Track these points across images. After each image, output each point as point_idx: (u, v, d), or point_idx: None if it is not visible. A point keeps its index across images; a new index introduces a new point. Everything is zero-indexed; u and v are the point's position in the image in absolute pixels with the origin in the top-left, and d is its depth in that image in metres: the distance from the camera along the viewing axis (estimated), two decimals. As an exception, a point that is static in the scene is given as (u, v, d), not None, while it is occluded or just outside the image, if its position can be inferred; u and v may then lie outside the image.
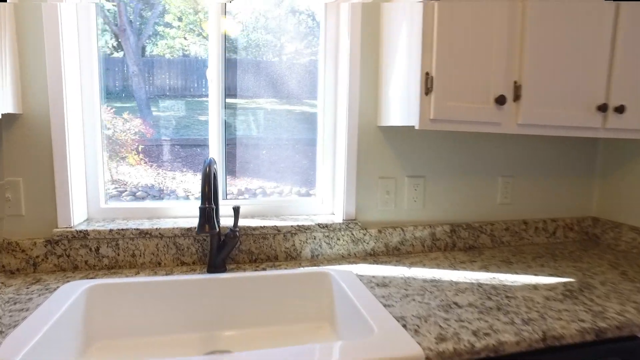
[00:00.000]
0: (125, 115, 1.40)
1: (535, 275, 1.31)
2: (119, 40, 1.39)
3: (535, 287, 1.20)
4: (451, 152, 1.57)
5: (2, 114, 1.15)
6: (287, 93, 1.51)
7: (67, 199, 1.25)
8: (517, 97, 1.24)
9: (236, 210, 1.28)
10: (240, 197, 1.54)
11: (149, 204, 1.44)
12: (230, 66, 1.45)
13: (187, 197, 1.50)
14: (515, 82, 1.23)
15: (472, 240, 1.61)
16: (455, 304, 1.08)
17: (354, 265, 1.38)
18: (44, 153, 1.24)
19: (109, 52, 1.40)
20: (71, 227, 1.26)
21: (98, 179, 1.38)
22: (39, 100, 1.22)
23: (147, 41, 1.42)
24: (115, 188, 1.45)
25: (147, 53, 1.43)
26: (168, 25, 1.41)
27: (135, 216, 1.42)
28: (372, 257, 1.49)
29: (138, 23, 1.39)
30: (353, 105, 1.42)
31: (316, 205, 1.56)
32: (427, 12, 1.12)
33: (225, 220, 1.41)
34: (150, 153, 1.46)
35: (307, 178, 1.58)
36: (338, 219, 1.49)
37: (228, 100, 1.45)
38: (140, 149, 1.44)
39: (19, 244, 1.23)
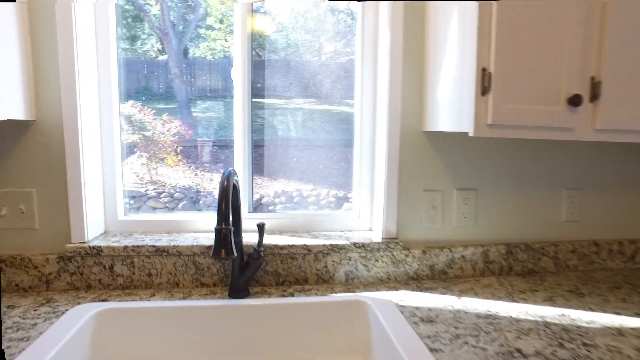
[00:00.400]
0: (164, 116, 1.40)
1: (617, 314, 1.08)
2: (163, 43, 1.42)
3: (620, 332, 0.98)
4: (507, 160, 1.36)
5: (12, 120, 1.07)
6: (325, 93, 1.41)
7: (80, 213, 1.16)
8: (594, 97, 1.02)
9: (261, 227, 1.14)
10: (277, 199, 1.46)
11: (168, 216, 1.34)
12: (267, 66, 1.37)
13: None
14: (592, 79, 1.02)
15: (532, 263, 1.39)
16: (519, 351, 0.88)
17: (394, 292, 1.21)
18: (58, 162, 1.15)
19: (154, 55, 1.43)
20: (85, 242, 1.17)
21: (116, 190, 1.29)
22: (53, 106, 1.13)
23: (190, 43, 1.45)
24: (155, 189, 1.43)
25: (190, 55, 1.45)
26: (210, 27, 1.43)
27: (155, 230, 1.31)
28: (415, 281, 1.31)
29: (181, 26, 1.42)
30: (394, 108, 1.25)
31: (352, 220, 1.40)
32: (486, -4, 0.94)
33: (250, 236, 1.27)
34: (189, 154, 1.45)
35: (346, 181, 1.48)
36: (376, 236, 1.32)
37: (267, 100, 1.39)
38: (178, 150, 1.43)
39: (31, 260, 1.15)
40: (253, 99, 1.35)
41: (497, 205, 1.38)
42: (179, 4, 1.41)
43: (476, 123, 0.97)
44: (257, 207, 1.44)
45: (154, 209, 1.45)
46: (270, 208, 1.45)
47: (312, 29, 1.44)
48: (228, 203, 0.93)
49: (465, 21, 1.00)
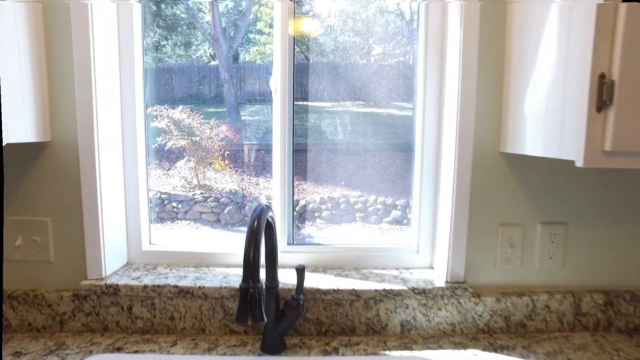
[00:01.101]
0: (212, 121, 1.41)
1: None
2: (214, 49, 1.45)
3: None
4: (608, 189, 1.08)
5: (25, 142, 0.94)
6: (374, 96, 1.31)
7: (97, 245, 1.02)
8: None
9: (300, 272, 0.94)
10: (323, 205, 1.41)
11: (197, 247, 1.17)
12: (314, 69, 1.31)
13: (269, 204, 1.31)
14: None
15: None
16: None
17: (461, 352, 0.97)
18: (74, 188, 1.02)
19: (206, 60, 1.48)
20: (102, 279, 1.03)
21: (140, 216, 1.15)
22: (70, 125, 1.00)
23: (240, 48, 1.47)
24: (202, 194, 1.45)
25: (240, 59, 1.48)
26: (260, 32, 1.44)
27: (181, 262, 1.15)
28: (486, 335, 1.06)
29: (232, 32, 1.45)
30: (466, 123, 1.02)
31: (409, 255, 1.18)
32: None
33: (288, 274, 1.08)
34: (236, 158, 1.45)
35: (394, 187, 1.38)
36: (439, 278, 1.09)
37: (314, 103, 1.32)
38: (226, 154, 1.43)
39: (45, 298, 1.02)
40: (299, 102, 1.26)
41: (593, 243, 1.10)
42: (231, 10, 1.45)
43: (587, 149, 0.72)
44: (302, 213, 1.40)
45: (201, 213, 1.48)
46: (316, 215, 1.42)
47: (361, 31, 1.38)
48: (257, 251, 0.74)
49: (572, 17, 0.75)
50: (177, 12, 1.40)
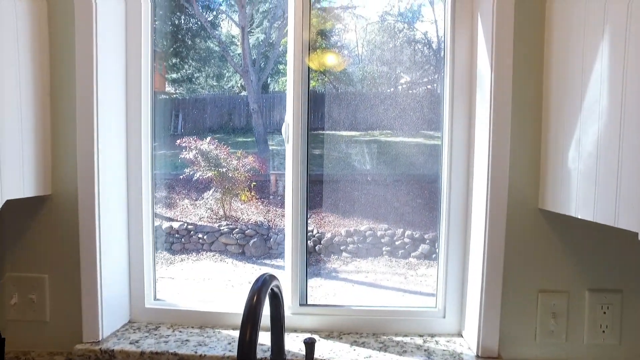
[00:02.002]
0: (239, 153, 1.44)
1: None
2: (244, 81, 1.49)
3: None
4: (669, 250, 0.94)
5: (24, 198, 0.90)
6: (402, 125, 1.26)
7: (94, 306, 0.95)
8: None
9: (310, 346, 0.84)
10: (349, 238, 1.37)
11: (202, 306, 1.08)
12: (340, 98, 1.30)
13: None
14: None
15: None
16: None
17: None
18: (73, 243, 0.96)
19: (237, 90, 1.53)
20: (98, 342, 0.95)
21: (144, 270, 1.08)
22: (71, 177, 0.95)
23: (269, 79, 1.52)
24: (227, 225, 1.45)
25: (269, 89, 1.52)
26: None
27: (185, 321, 1.07)
28: (527, 422, 0.91)
29: (262, 63, 1.49)
30: (498, 174, 0.90)
31: (434, 319, 1.05)
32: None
33: (298, 343, 0.97)
34: (263, 189, 1.46)
35: (422, 219, 1.33)
36: (469, 351, 0.95)
37: (343, 132, 1.31)
38: (252, 185, 1.45)
39: (37, 361, 0.95)
40: (325, 131, 1.25)
41: (653, 314, 0.95)
42: (261, 42, 1.50)
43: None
44: (328, 246, 1.38)
45: (226, 245, 1.48)
46: (342, 248, 1.39)
47: (388, 60, 1.39)
48: (255, 330, 0.64)
49: (629, 54, 0.64)
50: (211, 45, 1.48)
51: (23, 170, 0.87)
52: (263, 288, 0.69)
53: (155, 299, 1.12)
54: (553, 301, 0.94)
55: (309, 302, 1.10)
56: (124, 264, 1.05)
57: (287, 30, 1.07)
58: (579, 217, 0.77)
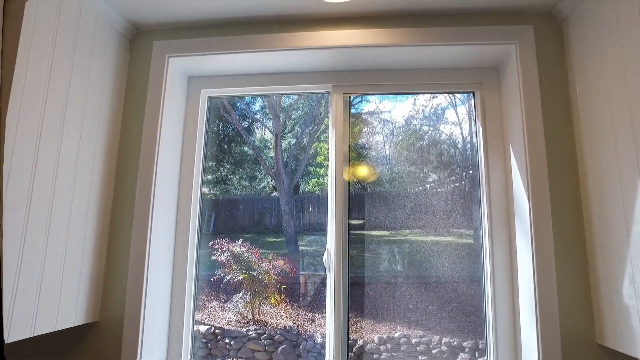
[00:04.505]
0: (270, 255, 1.45)
1: None
2: (276, 183, 1.55)
3: None
4: None
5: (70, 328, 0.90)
6: (432, 223, 1.30)
7: None
8: None
9: None
10: (382, 346, 1.29)
11: None
12: (371, 198, 1.35)
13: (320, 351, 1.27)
14: None
15: None
16: None
17: None
18: (115, 366, 0.94)
19: (269, 191, 1.59)
20: None
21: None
22: (119, 304, 0.96)
23: (301, 180, 1.57)
24: (255, 330, 1.43)
25: (300, 190, 1.58)
26: (319, 165, 1.56)
27: None
28: None
29: (293, 165, 1.55)
30: (547, 309, 0.89)
31: None
32: None
33: None
34: (292, 292, 1.46)
35: (460, 325, 1.27)
36: None
37: (372, 232, 1.32)
38: (282, 288, 1.44)
39: None
40: (355, 231, 1.28)
41: None
42: (293, 146, 1.57)
43: None
44: (359, 355, 1.32)
45: (254, 351, 1.44)
46: (374, 357, 1.32)
47: (415, 160, 1.45)
48: None
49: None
50: (246, 148, 1.55)
51: (77, 299, 0.88)
52: None
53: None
54: None
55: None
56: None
57: (317, 136, 1.15)
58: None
